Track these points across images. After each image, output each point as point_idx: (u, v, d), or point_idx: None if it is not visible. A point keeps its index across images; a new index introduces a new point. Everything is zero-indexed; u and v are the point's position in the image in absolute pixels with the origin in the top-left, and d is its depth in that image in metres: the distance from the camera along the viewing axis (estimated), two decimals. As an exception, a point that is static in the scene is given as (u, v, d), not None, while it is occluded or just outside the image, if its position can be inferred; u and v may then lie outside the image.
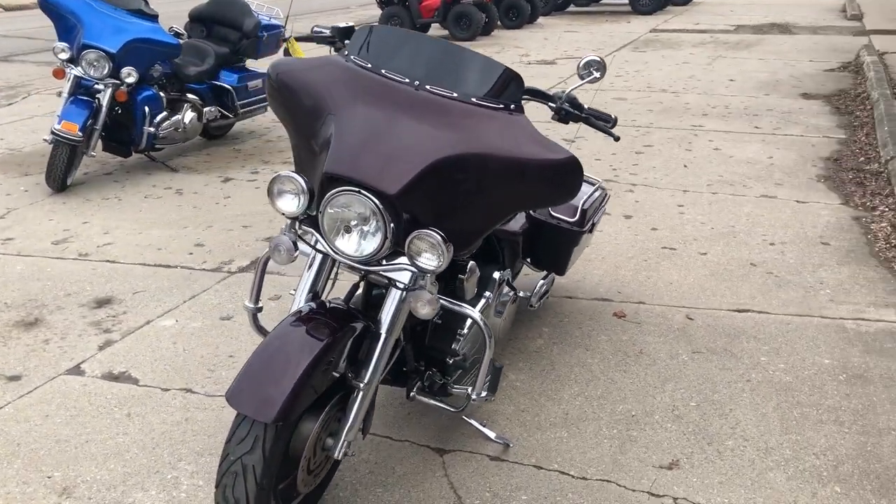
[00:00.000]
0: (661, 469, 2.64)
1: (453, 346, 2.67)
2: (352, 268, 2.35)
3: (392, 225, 2.13)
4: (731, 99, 8.28)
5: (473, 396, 2.46)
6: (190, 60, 6.33)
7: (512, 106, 2.28)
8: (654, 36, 13.53)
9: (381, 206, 2.11)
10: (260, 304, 2.66)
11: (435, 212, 2.18)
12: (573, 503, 2.50)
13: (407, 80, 2.28)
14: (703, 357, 3.32)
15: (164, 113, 5.97)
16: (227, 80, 6.55)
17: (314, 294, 2.39)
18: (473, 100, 2.25)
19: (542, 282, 3.42)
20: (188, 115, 6.20)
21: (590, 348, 3.41)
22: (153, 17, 5.88)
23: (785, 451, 2.72)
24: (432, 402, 2.61)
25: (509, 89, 2.29)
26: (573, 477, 2.62)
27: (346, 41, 2.76)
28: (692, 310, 3.74)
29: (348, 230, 2.19)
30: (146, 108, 5.80)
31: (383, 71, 2.32)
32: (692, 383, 3.14)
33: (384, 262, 2.25)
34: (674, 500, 2.50)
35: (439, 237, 2.08)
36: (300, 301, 2.37)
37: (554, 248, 3.25)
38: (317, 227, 2.29)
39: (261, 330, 2.70)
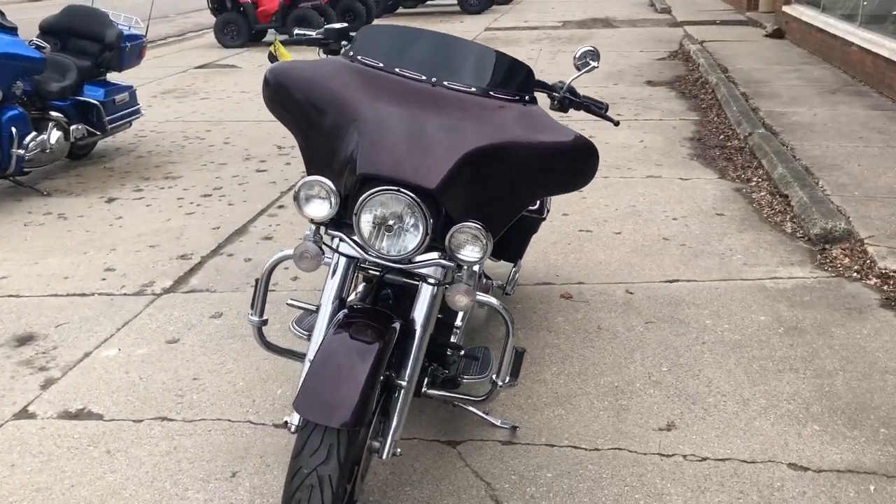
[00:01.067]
0: (661, 431, 2.82)
1: (452, 339, 2.72)
2: (381, 268, 2.33)
3: (431, 220, 2.15)
4: (584, 90, 8.75)
5: (500, 383, 2.51)
6: (51, 76, 5.87)
7: (527, 97, 2.36)
8: (491, 34, 13.99)
9: (420, 203, 2.12)
10: (265, 317, 2.58)
11: (467, 204, 2.22)
12: (595, 474, 2.62)
13: (424, 78, 2.30)
14: (656, 326, 3.56)
15: (33, 133, 5.51)
16: (92, 95, 6.14)
17: (341, 300, 2.35)
18: (491, 93, 2.30)
19: (514, 270, 3.52)
20: (54, 135, 5.76)
21: (552, 329, 3.55)
22: (12, 30, 5.42)
23: (760, 401, 2.98)
24: (449, 395, 2.63)
25: (521, 81, 2.37)
26: (586, 450, 2.74)
27: (344, 42, 2.72)
28: (629, 284, 3.98)
29: (389, 229, 2.17)
30: (13, 129, 5.34)
31: (397, 70, 2.32)
32: (656, 351, 3.36)
33: (416, 259, 2.26)
34: (683, 457, 2.69)
35: (482, 229, 2.13)
36: (328, 307, 2.32)
37: (516, 236, 3.36)
38: (342, 231, 2.26)
39: (267, 345, 2.61)
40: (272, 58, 3.09)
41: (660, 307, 3.74)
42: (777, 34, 11.73)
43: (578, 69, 2.60)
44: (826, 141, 6.15)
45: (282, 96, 2.40)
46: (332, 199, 2.18)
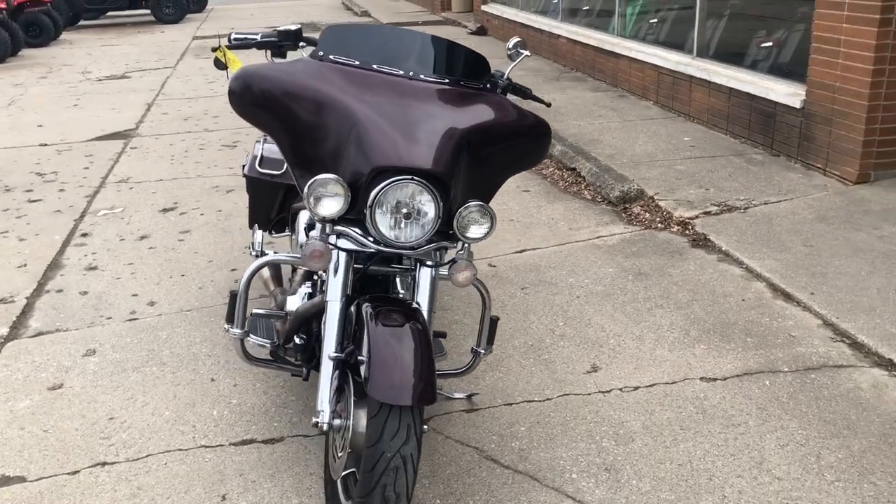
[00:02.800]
0: (589, 374, 3.19)
1: None
2: (382, 257, 2.40)
3: (441, 204, 2.27)
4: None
5: (481, 351, 2.69)
6: None
7: (488, 85, 2.56)
8: (202, 42, 13.56)
9: (433, 188, 2.24)
10: (246, 329, 2.50)
11: (463, 186, 2.38)
12: (560, 418, 2.91)
13: (401, 72, 2.40)
14: (533, 290, 3.94)
15: None
16: None
17: (347, 297, 2.37)
18: (461, 83, 2.47)
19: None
20: None
21: (448, 308, 3.77)
22: None
23: (650, 335, 3.48)
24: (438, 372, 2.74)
25: (482, 70, 2.56)
26: (540, 401, 3.02)
27: (302, 44, 2.68)
28: (487, 259, 4.32)
29: (408, 217, 2.25)
30: None
31: (374, 66, 2.39)
32: (545, 310, 3.73)
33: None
34: (620, 390, 3.08)
35: (487, 207, 2.30)
36: (337, 304, 2.33)
37: None
38: (349, 226, 2.30)
39: (250, 358, 2.53)
40: (220, 64, 2.92)
41: (525, 274, 4.12)
42: (481, 31, 12.85)
43: (512, 59, 2.85)
44: (576, 121, 7.02)
45: (261, 99, 2.36)
46: (345, 195, 2.22)
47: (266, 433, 2.88)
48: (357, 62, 2.41)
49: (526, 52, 2.80)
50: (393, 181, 2.20)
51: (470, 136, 2.36)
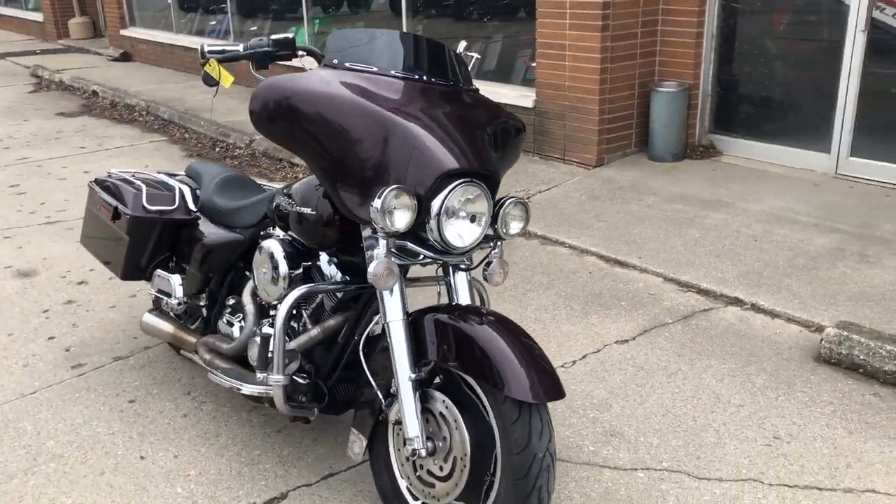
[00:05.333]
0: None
1: None
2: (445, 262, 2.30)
3: (491, 203, 2.26)
4: (12, 130, 7.72)
5: None
6: None
7: (473, 86, 2.56)
8: None
9: (488, 189, 2.22)
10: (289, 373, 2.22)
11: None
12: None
13: (416, 77, 2.31)
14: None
15: None
16: None
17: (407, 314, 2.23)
18: (461, 84, 2.45)
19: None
20: None
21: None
22: None
23: (545, 316, 3.73)
24: None
25: (467, 72, 2.54)
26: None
27: (301, 53, 2.35)
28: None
29: (473, 219, 2.19)
30: None
31: (393, 72, 2.27)
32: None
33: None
34: (563, 366, 3.29)
35: (523, 200, 2.35)
36: (401, 324, 2.18)
37: None
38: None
39: (297, 405, 2.25)
40: (210, 80, 2.38)
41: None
42: (125, 58, 11.92)
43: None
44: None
45: (291, 116, 2.13)
46: (412, 206, 2.10)
47: (263, 493, 2.56)
48: (376, 68, 2.28)
49: (476, 55, 2.85)
50: (460, 182, 2.14)
51: (494, 137, 2.38)
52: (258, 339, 2.61)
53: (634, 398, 3.04)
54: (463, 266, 2.38)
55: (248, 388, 2.50)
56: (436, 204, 2.12)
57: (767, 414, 2.91)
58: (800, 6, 5.56)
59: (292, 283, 2.52)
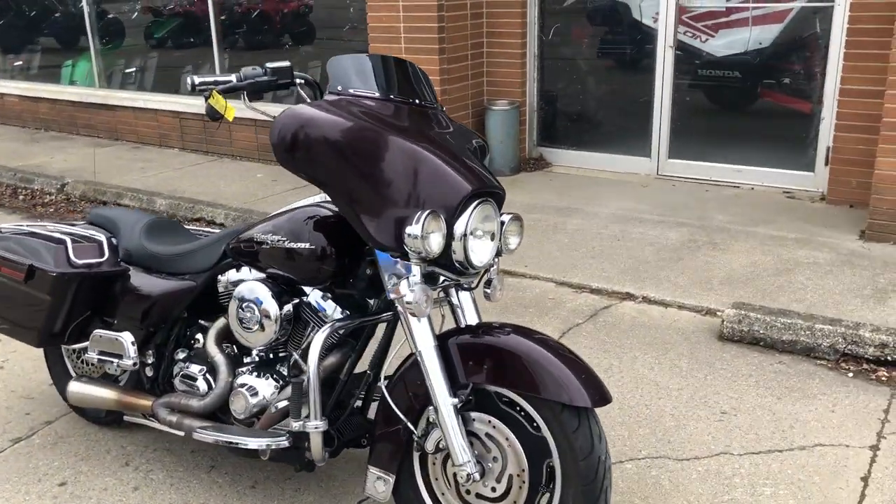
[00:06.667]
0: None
1: None
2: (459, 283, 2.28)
3: (499, 220, 2.29)
4: None
5: None
6: None
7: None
8: None
9: (497, 207, 2.26)
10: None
11: None
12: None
13: (410, 100, 2.28)
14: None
15: None
16: None
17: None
18: (436, 105, 2.45)
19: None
20: None
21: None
22: None
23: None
24: None
25: (433, 90, 2.53)
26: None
27: (300, 81, 2.17)
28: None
29: (492, 237, 2.20)
30: None
31: (391, 96, 2.23)
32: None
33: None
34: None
35: (519, 216, 2.41)
36: (431, 349, 2.14)
37: None
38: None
39: (333, 447, 2.11)
40: (215, 114, 2.07)
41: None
42: None
43: None
44: (126, 176, 6.50)
45: (314, 146, 2.08)
46: (443, 229, 2.09)
47: (274, 554, 2.38)
48: (377, 94, 2.22)
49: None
50: (479, 202, 2.16)
51: (481, 156, 2.42)
52: (243, 389, 2.43)
53: (587, 397, 3.20)
54: (466, 285, 2.38)
55: (255, 442, 2.32)
56: (461, 225, 2.12)
57: (705, 393, 3.20)
58: (614, 26, 6.13)
59: (283, 324, 2.38)
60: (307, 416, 2.24)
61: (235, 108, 2.19)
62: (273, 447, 2.32)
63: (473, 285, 2.37)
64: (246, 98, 2.24)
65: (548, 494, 2.15)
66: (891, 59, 4.39)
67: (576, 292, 4.17)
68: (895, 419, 2.98)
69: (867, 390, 3.19)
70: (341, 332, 2.38)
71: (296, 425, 2.21)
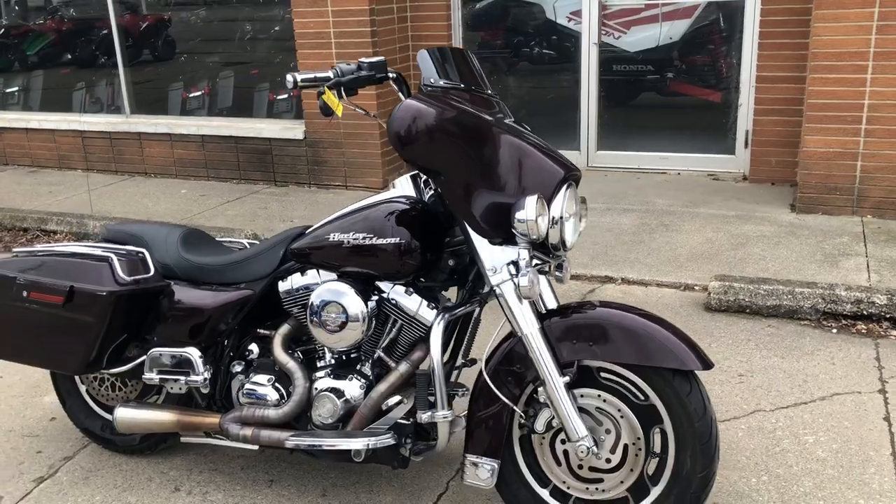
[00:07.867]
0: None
1: None
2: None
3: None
4: None
5: None
6: None
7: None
8: None
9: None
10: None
11: None
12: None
13: (477, 90, 2.34)
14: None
15: None
16: None
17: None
18: (496, 94, 2.50)
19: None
20: None
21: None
22: None
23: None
24: None
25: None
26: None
27: (392, 74, 2.15)
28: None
29: (580, 218, 2.27)
30: None
31: (472, 87, 2.29)
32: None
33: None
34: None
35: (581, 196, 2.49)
36: (535, 330, 2.18)
37: None
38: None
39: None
40: (328, 110, 1.97)
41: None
42: None
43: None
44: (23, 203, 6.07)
45: (435, 137, 2.16)
46: (547, 213, 2.15)
47: (379, 556, 2.34)
48: (462, 85, 2.26)
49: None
50: (569, 185, 2.23)
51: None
52: (328, 393, 2.38)
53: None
54: (556, 265, 2.42)
55: (358, 443, 2.27)
56: (557, 207, 2.18)
57: (716, 359, 3.39)
58: (539, 27, 6.34)
59: (370, 322, 2.35)
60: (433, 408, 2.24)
61: (342, 105, 2.16)
62: (378, 446, 2.29)
63: (566, 265, 2.39)
64: (344, 94, 2.21)
65: (656, 460, 2.25)
66: (810, 46, 4.81)
67: (556, 280, 4.30)
68: (888, 364, 3.29)
69: (854, 342, 3.50)
70: (449, 321, 2.37)
71: (424, 417, 2.20)
